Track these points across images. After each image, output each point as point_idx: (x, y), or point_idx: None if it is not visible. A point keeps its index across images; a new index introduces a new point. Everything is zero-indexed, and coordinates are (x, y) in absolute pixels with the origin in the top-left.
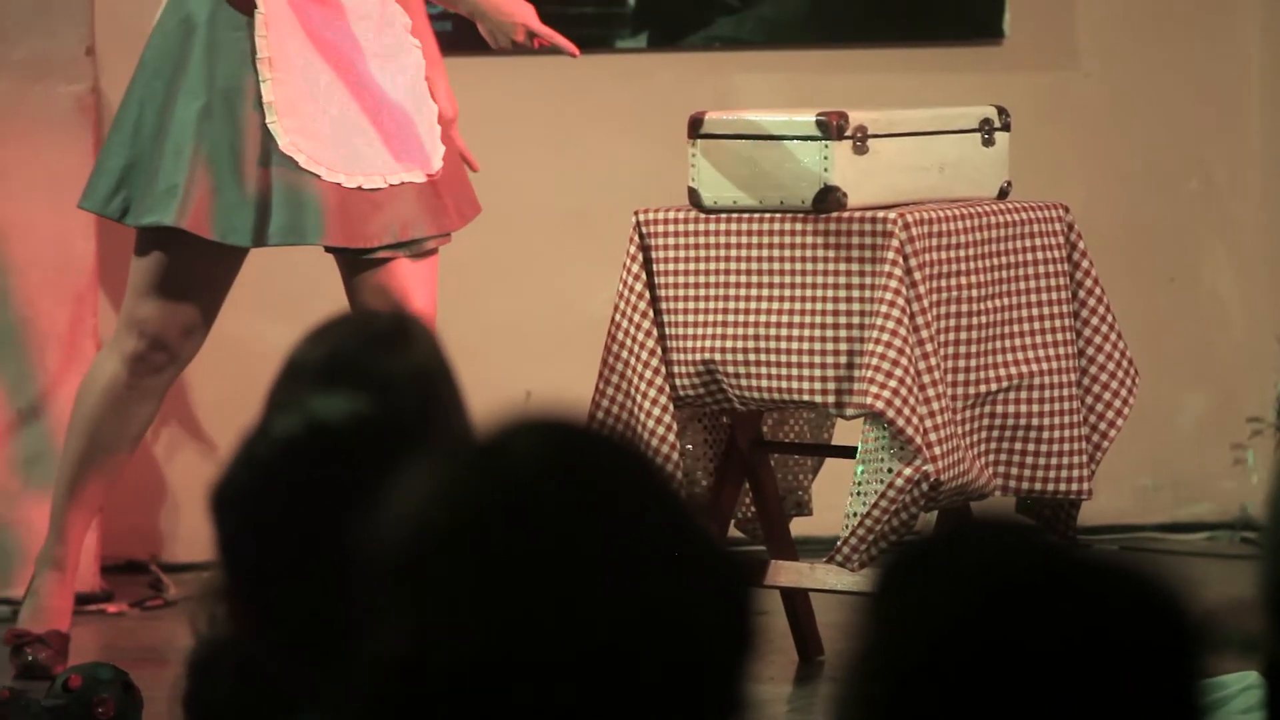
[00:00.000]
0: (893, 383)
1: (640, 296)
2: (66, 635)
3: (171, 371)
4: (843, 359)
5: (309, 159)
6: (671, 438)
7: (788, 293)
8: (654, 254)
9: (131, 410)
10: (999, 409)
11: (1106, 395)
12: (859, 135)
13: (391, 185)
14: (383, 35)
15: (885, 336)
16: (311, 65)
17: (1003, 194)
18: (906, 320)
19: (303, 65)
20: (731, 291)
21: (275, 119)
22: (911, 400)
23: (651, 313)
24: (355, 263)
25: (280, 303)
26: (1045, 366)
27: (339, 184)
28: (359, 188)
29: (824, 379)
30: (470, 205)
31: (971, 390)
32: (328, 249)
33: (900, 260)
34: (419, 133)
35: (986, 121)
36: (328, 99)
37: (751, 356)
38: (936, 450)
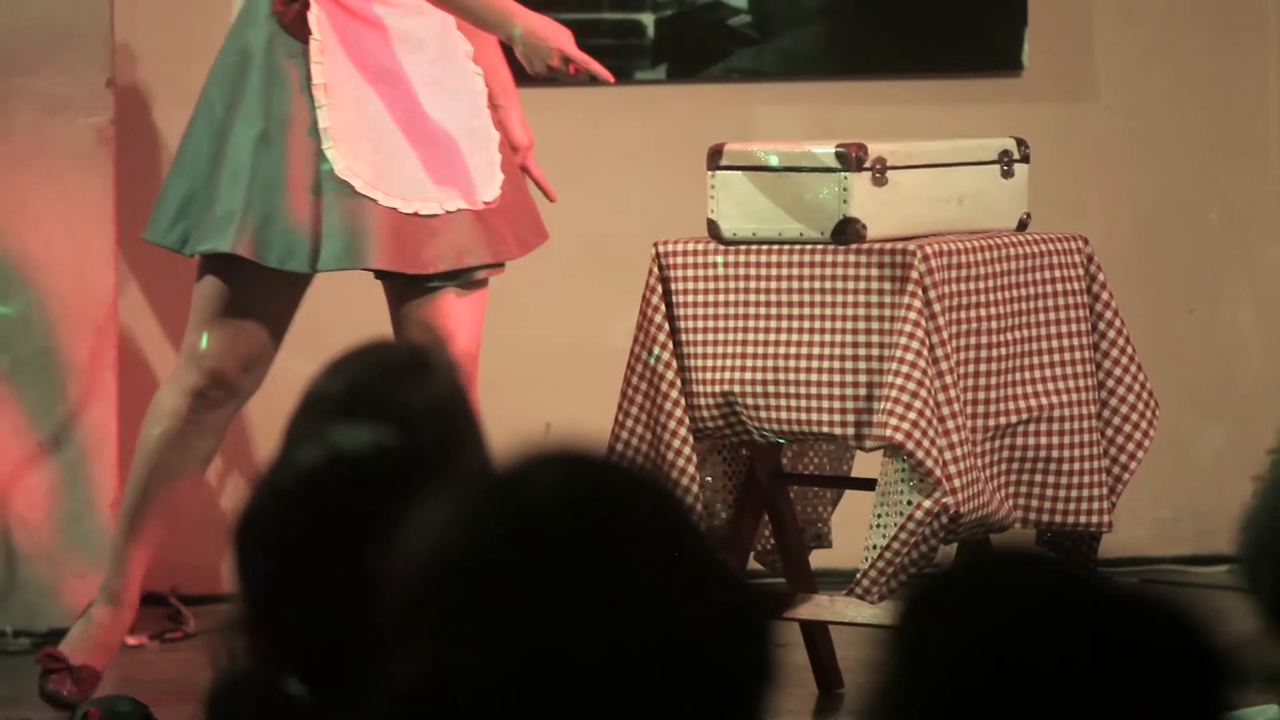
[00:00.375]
0: (912, 415)
1: (660, 328)
2: (99, 673)
3: (232, 406)
4: (862, 391)
5: (365, 184)
6: (691, 469)
7: (807, 324)
8: (673, 285)
9: (192, 444)
10: (1019, 441)
11: (1126, 427)
12: (878, 167)
13: (448, 212)
14: (439, 63)
15: (905, 368)
16: (365, 92)
17: (1022, 225)
18: (926, 352)
19: (357, 92)
20: (751, 323)
21: (331, 145)
22: (931, 432)
23: (671, 344)
24: (404, 292)
25: (302, 335)
26: (1065, 398)
27: (395, 209)
28: (415, 213)
29: (843, 411)
30: (534, 233)
31: (991, 422)
32: (379, 275)
33: (919, 292)
34: (474, 161)
35: (1006, 153)
36: (380, 125)
37: (771, 388)
38: (956, 482)
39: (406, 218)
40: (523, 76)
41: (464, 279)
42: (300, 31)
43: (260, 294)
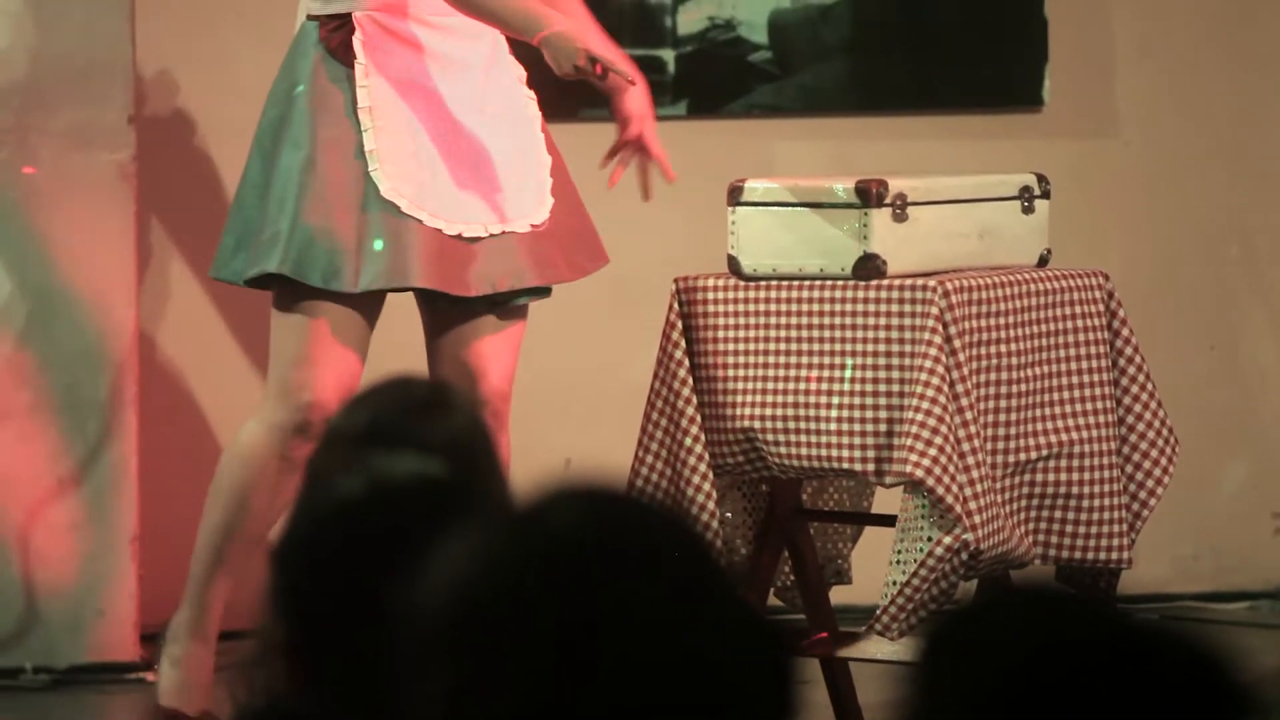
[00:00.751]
0: (932, 451)
1: (680, 364)
2: (217, 718)
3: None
4: (882, 427)
5: (410, 204)
6: (711, 505)
7: (827, 360)
8: (694, 321)
9: (284, 482)
10: (1038, 477)
11: (1146, 464)
12: (898, 203)
13: (491, 235)
14: (488, 88)
15: (925, 404)
16: (409, 114)
17: (1042, 261)
18: (946, 388)
19: (403, 114)
20: (771, 359)
21: (377, 166)
22: (951, 468)
23: (691, 380)
24: (443, 318)
25: None
26: (1085, 434)
27: (439, 230)
28: (459, 235)
29: (863, 447)
30: (591, 257)
31: (1011, 458)
32: (420, 298)
33: (940, 328)
34: (519, 183)
35: (1026, 189)
36: (425, 147)
37: (791, 424)
38: (976, 519)
39: (450, 239)
40: (549, 101)
41: (505, 306)
42: (346, 56)
43: (338, 317)
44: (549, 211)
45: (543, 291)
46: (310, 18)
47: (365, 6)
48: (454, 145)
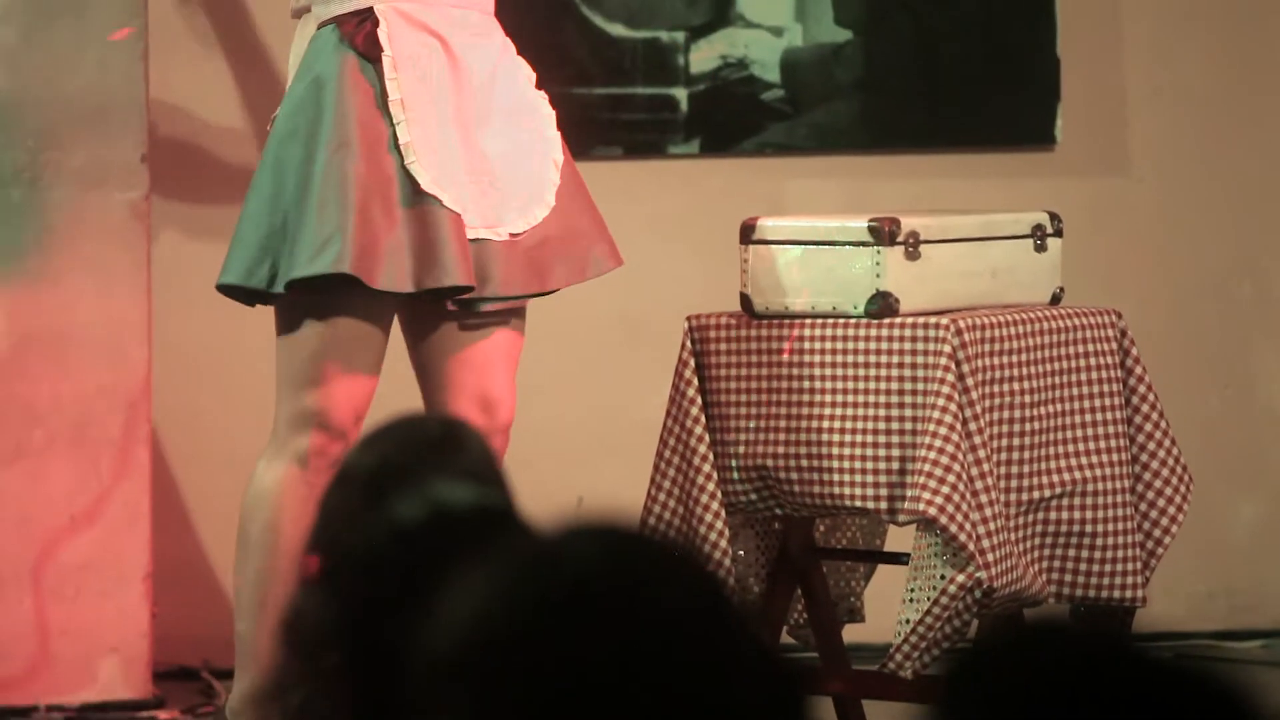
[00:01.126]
0: (945, 489)
1: (692, 402)
2: None
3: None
4: (895, 465)
5: (452, 199)
6: (724, 544)
7: (840, 399)
8: (706, 360)
9: (310, 512)
10: (1052, 515)
11: (1160, 502)
12: (911, 241)
13: (512, 235)
14: (496, 87)
15: (938, 443)
16: (436, 107)
17: (1055, 300)
18: (959, 426)
19: (431, 107)
20: (783, 397)
21: (414, 159)
22: (964, 506)
23: (703, 418)
24: (444, 332)
25: None
26: (1098, 473)
27: (474, 227)
28: (476, 237)
29: (876, 485)
30: (600, 258)
31: (1024, 496)
32: (427, 298)
33: (952, 366)
34: (529, 187)
35: (1039, 227)
36: (451, 140)
37: (804, 463)
38: (989, 557)
39: (476, 242)
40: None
41: (511, 314)
42: (371, 49)
43: (358, 332)
44: (556, 213)
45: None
46: (325, 22)
47: None
48: (468, 142)
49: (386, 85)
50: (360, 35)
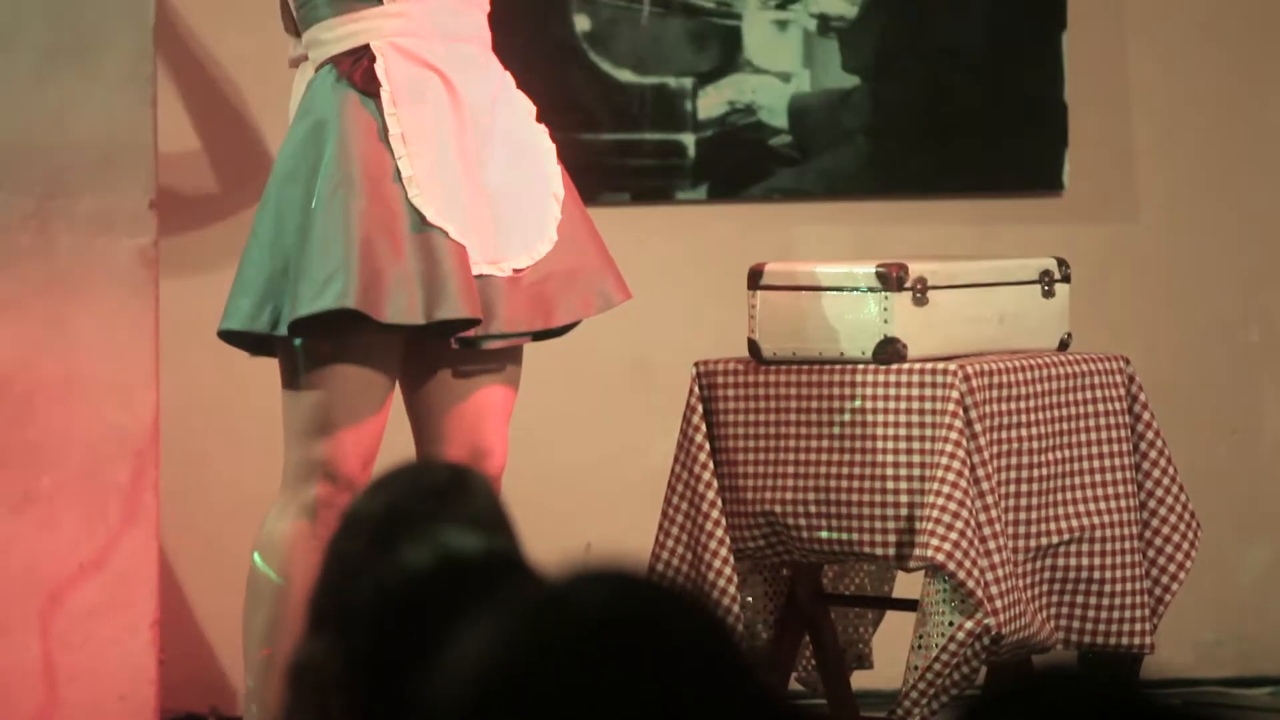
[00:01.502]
0: (953, 535)
1: (700, 448)
2: None
3: None
4: (903, 511)
5: (457, 231)
6: (732, 590)
7: (848, 444)
8: (714, 405)
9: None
10: (1060, 561)
11: (1168, 548)
12: (919, 287)
13: (515, 271)
14: (495, 122)
15: (946, 489)
16: (438, 140)
17: (1063, 345)
18: (967, 472)
19: (433, 140)
20: (791, 443)
21: (419, 192)
22: (972, 553)
23: (712, 464)
24: (439, 379)
25: None
26: (1106, 519)
27: (477, 263)
28: (479, 272)
29: (884, 531)
30: (608, 292)
31: (1032, 542)
32: (432, 333)
33: (960, 412)
34: (522, 224)
35: (1046, 273)
36: (453, 175)
37: (812, 509)
38: (998, 603)
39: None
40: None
41: (508, 361)
42: (370, 85)
43: (363, 377)
44: (560, 249)
45: (546, 333)
46: (323, 64)
47: (385, 34)
48: (470, 176)
49: (387, 120)
50: (358, 72)
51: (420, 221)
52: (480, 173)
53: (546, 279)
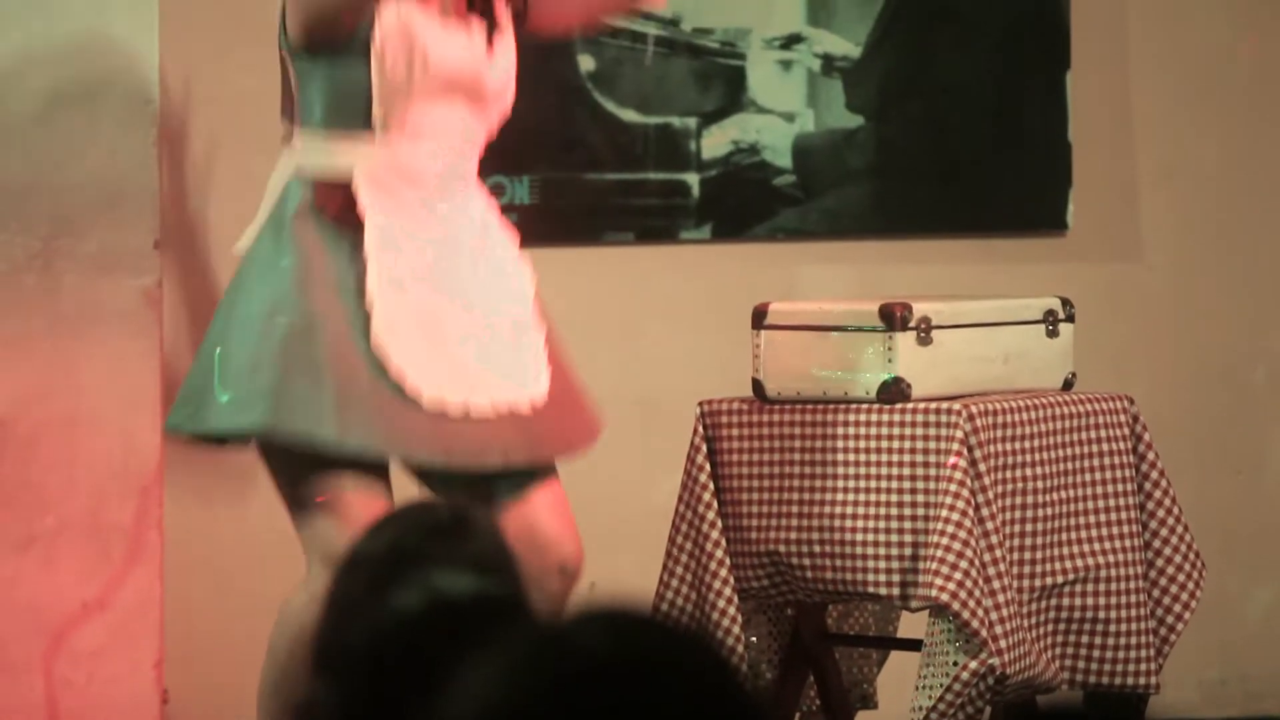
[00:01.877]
0: (958, 575)
1: (704, 487)
2: None
3: None
4: (907, 551)
5: (416, 374)
6: (737, 629)
7: (852, 484)
8: (718, 445)
9: None
10: (1064, 601)
11: (1173, 588)
12: (923, 326)
13: (499, 414)
14: (480, 261)
15: (950, 528)
16: (408, 285)
17: (1067, 385)
18: (971, 512)
19: (402, 284)
20: (796, 483)
21: (383, 342)
22: (977, 593)
23: (716, 504)
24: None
25: None
26: (1111, 559)
27: (443, 400)
28: (466, 414)
29: (888, 571)
30: (582, 433)
31: (1037, 582)
32: (420, 475)
33: (965, 451)
34: (512, 357)
35: (1051, 313)
36: (424, 318)
37: (816, 548)
38: (1002, 643)
39: (452, 417)
40: (574, 226)
41: (537, 474)
42: (347, 219)
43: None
44: (546, 383)
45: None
46: (304, 173)
47: (373, 166)
48: (448, 317)
49: (366, 262)
50: (335, 206)
51: (379, 364)
52: (467, 309)
53: (536, 415)
